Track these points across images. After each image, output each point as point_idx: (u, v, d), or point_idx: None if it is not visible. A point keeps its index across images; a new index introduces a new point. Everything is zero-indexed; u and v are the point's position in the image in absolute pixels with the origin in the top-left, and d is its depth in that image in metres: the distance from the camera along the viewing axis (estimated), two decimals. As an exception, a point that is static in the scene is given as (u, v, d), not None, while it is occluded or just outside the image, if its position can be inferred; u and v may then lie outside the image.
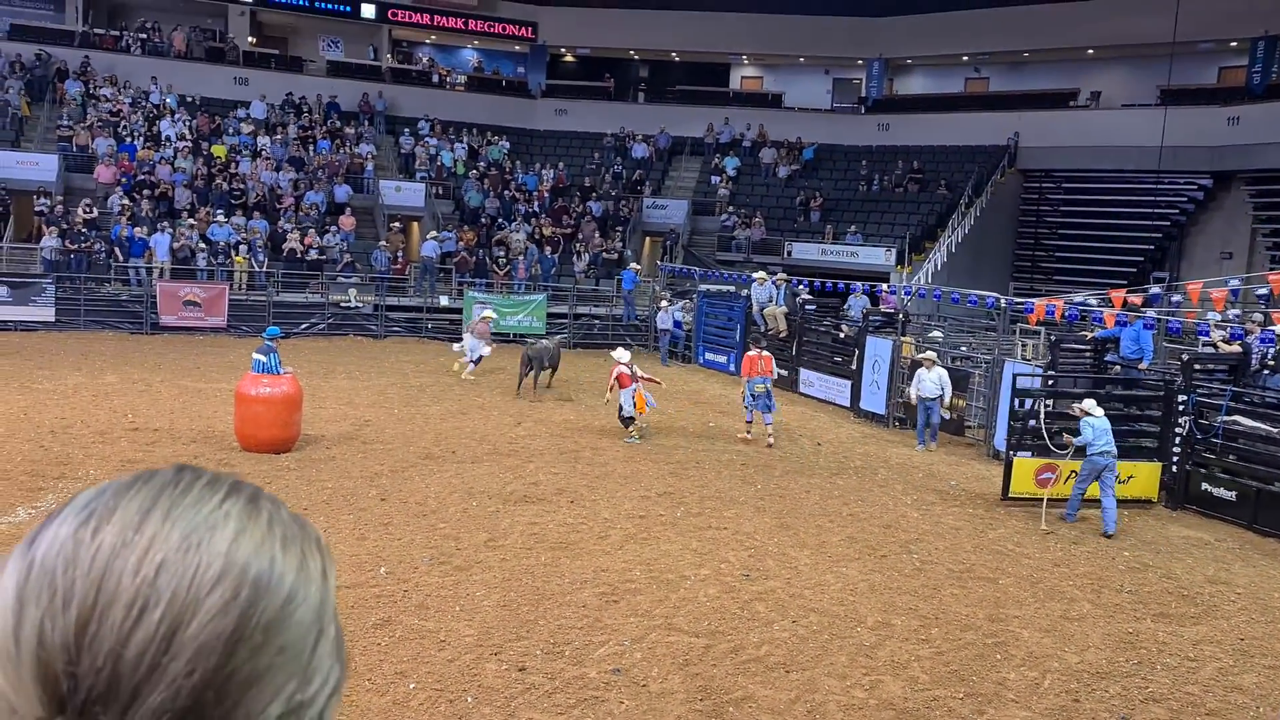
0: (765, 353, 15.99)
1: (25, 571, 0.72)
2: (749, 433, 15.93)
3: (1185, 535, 12.06)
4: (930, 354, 16.49)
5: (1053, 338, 16.67)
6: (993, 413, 15.98)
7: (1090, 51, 34.36)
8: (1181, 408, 13.38)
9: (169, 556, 0.70)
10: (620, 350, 16.47)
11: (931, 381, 16.05)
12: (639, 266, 28.13)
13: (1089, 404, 12.16)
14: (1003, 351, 17.04)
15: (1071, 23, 33.04)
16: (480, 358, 19.98)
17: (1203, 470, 13.26)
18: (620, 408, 15.46)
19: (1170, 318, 17.24)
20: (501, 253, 28.53)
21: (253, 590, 0.71)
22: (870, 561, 10.10)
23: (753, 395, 15.69)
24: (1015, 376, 14.24)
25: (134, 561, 0.70)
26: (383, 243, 27.62)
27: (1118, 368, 15.99)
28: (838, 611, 8.65)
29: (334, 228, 27.91)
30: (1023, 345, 18.74)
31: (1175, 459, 13.40)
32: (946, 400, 16.21)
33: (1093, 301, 17.40)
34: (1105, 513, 11.75)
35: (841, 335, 20.71)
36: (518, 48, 40.59)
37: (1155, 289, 19.69)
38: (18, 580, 0.71)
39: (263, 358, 13.00)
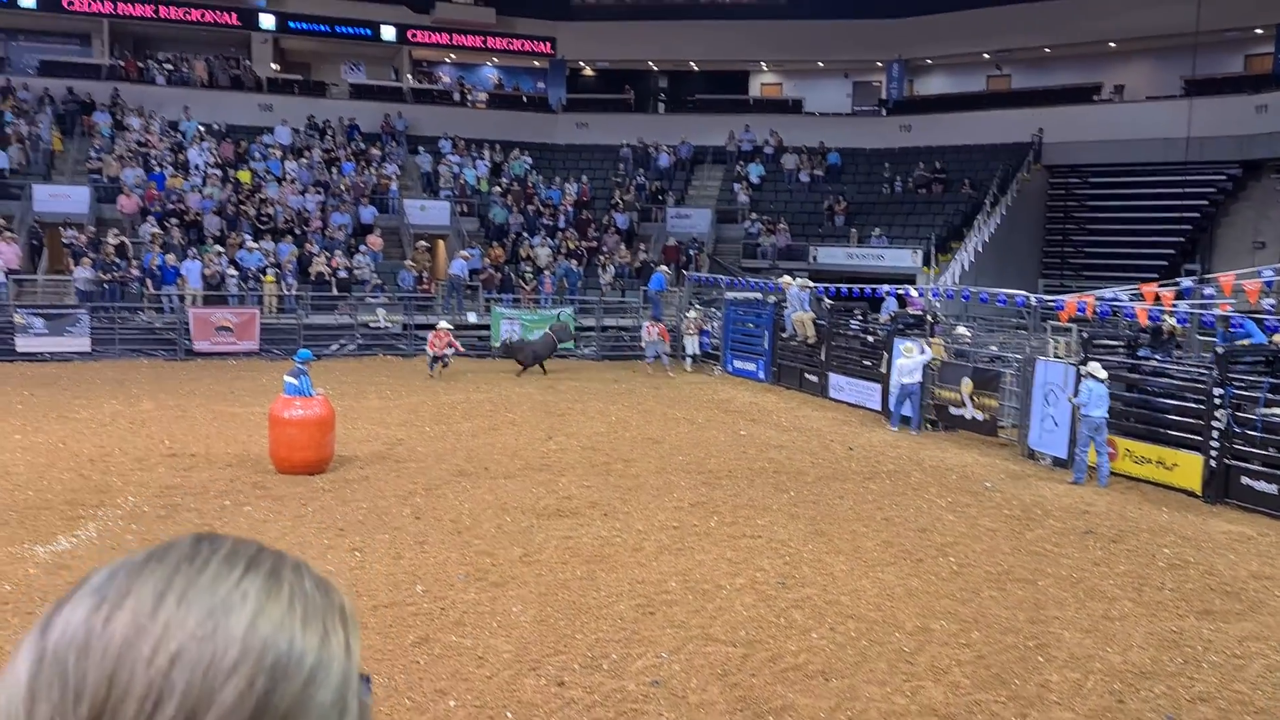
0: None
1: (37, 662, 0.70)
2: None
3: (1226, 530, 11.89)
4: (910, 344, 17.66)
5: (1085, 335, 16.51)
6: (1026, 412, 15.85)
7: (1112, 45, 34.10)
8: (1219, 401, 13.22)
9: (184, 644, 0.68)
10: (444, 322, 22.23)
11: (910, 368, 17.35)
12: (668, 271, 28.25)
13: (1094, 366, 13.64)
14: (1034, 350, 16.90)
15: (1093, 16, 32.83)
16: (436, 359, 21.87)
17: (1243, 464, 13.09)
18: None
19: (1203, 310, 17.03)
20: (527, 268, 28.67)
21: (270, 677, 0.69)
22: (907, 566, 10.03)
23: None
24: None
25: (148, 651, 0.68)
26: (408, 262, 27.81)
27: (1153, 361, 15.83)
28: (875, 617, 8.60)
29: (361, 249, 28.15)
30: (1054, 343, 18.57)
31: (1214, 453, 13.24)
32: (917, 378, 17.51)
33: (1124, 296, 17.23)
34: (1099, 469, 13.66)
35: (870, 339, 20.63)
36: (537, 63, 40.84)
37: (1187, 282, 19.46)
38: (30, 671, 0.70)
39: (294, 380, 13.12)
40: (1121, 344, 16.93)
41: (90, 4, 34.66)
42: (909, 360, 17.51)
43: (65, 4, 34.43)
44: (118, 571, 0.73)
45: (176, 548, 0.74)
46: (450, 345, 21.97)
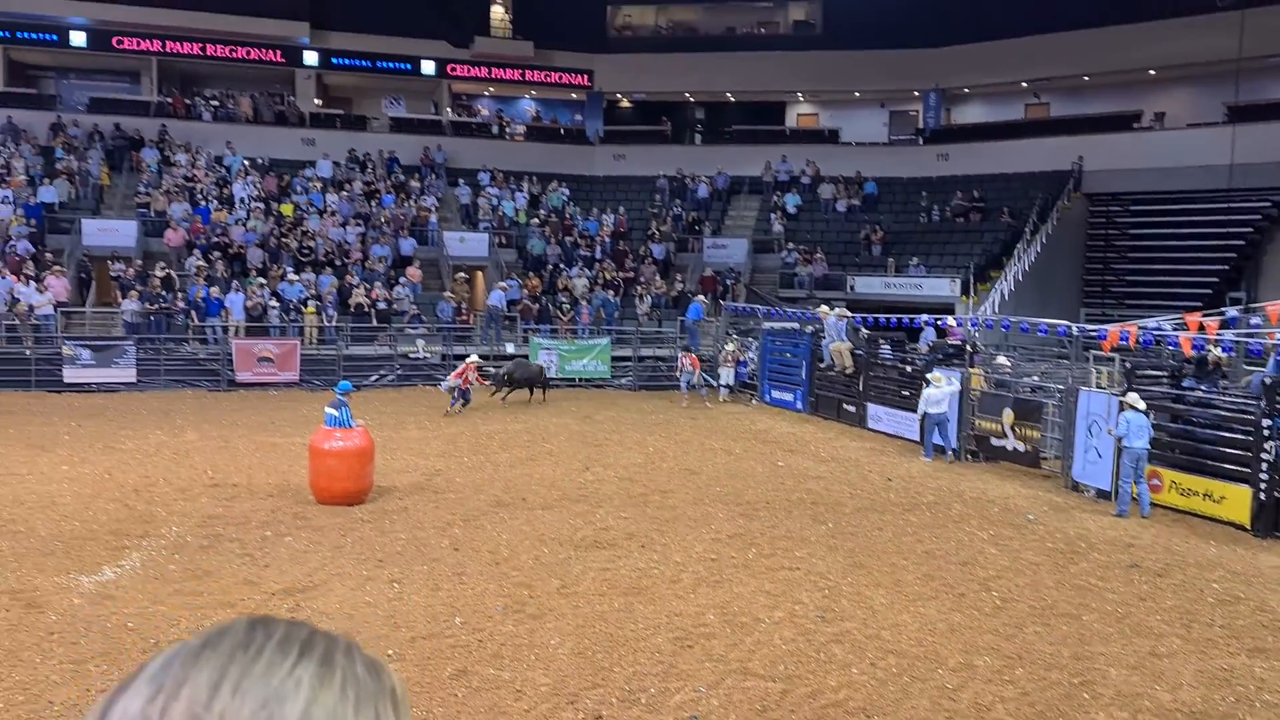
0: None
1: None
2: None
3: (1277, 565, 11.64)
4: (939, 374, 17.77)
5: (1127, 365, 16.31)
6: (1068, 443, 15.64)
7: (1152, 72, 33.85)
8: (1268, 432, 12.98)
9: None
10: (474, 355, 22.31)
11: (937, 398, 17.41)
12: (705, 301, 28.34)
13: (1132, 397, 13.64)
14: (1076, 380, 16.70)
15: (1132, 45, 32.63)
16: (452, 390, 21.36)
17: (1293, 497, 12.82)
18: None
19: (1250, 339, 16.76)
20: (564, 298, 28.82)
21: None
22: (948, 600, 9.90)
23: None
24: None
25: None
26: (447, 293, 28.06)
27: (1199, 392, 15.59)
28: (917, 652, 8.49)
29: (401, 280, 28.45)
30: (1097, 373, 18.35)
31: (1264, 485, 12.99)
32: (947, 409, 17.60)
33: (1167, 326, 17.00)
34: (1140, 500, 13.54)
35: (908, 369, 20.50)
36: (575, 95, 41.23)
37: (1232, 311, 19.18)
38: None
39: (335, 412, 13.25)
40: (1165, 374, 16.68)
41: (139, 43, 35.51)
42: (937, 390, 17.53)
43: (115, 43, 35.30)
44: (173, 659, 0.73)
45: (231, 634, 0.74)
46: (472, 381, 21.66)
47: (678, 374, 24.67)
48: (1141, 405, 13.70)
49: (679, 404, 23.56)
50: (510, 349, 26.73)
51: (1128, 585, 10.58)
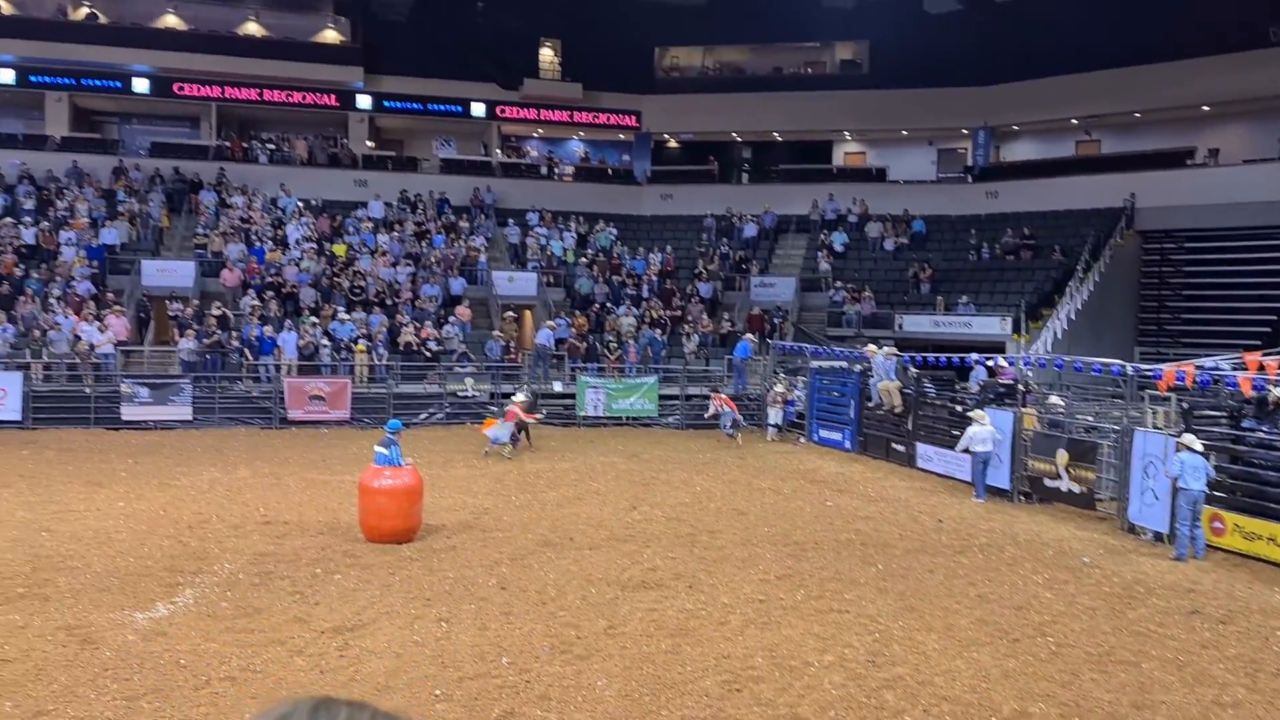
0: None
1: None
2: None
3: (1346, 612, 11.28)
4: (978, 412, 17.80)
5: (1184, 405, 15.98)
6: (1124, 485, 15.34)
7: (1206, 108, 33.44)
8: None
9: None
10: (519, 394, 21.67)
11: (982, 436, 17.33)
12: (753, 338, 28.31)
13: (1188, 438, 13.46)
14: (1132, 421, 16.40)
15: (1184, 81, 32.31)
16: (505, 436, 20.44)
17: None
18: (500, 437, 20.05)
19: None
20: (612, 337, 28.93)
21: None
22: (1002, 645, 9.71)
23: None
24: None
25: None
26: (496, 332, 28.29)
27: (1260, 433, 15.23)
28: (971, 700, 8.32)
29: (450, 319, 28.74)
30: (1153, 413, 18.00)
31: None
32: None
33: (1225, 365, 16.66)
34: (1195, 540, 13.30)
35: (958, 409, 20.26)
36: (622, 136, 41.61)
37: (1293, 349, 18.73)
38: None
39: (385, 450, 13.37)
40: (1224, 415, 16.32)
41: (200, 89, 36.50)
42: (982, 428, 17.47)
43: (177, 89, 36.31)
44: None
45: (295, 716, 0.75)
46: (524, 421, 21.16)
47: (707, 415, 24.66)
48: (1198, 446, 13.45)
49: (734, 445, 23.24)
50: (558, 387, 26.83)
51: (1189, 632, 10.31)
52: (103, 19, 36.08)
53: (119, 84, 35.88)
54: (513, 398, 22.09)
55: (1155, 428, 16.56)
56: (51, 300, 26.77)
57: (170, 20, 36.91)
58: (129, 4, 36.78)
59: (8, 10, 35.29)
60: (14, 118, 36.40)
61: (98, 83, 35.76)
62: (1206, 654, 9.64)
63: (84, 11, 36.03)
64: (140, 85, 35.96)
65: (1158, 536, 14.45)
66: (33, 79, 34.99)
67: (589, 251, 34.63)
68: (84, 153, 34.53)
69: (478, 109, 39.21)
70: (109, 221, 30.85)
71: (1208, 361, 17.29)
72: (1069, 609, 11.01)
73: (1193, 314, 32.55)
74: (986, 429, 17.49)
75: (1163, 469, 14.10)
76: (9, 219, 30.21)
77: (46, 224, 30.35)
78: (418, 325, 27.93)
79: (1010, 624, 10.38)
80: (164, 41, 35.99)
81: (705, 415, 25.06)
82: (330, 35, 38.41)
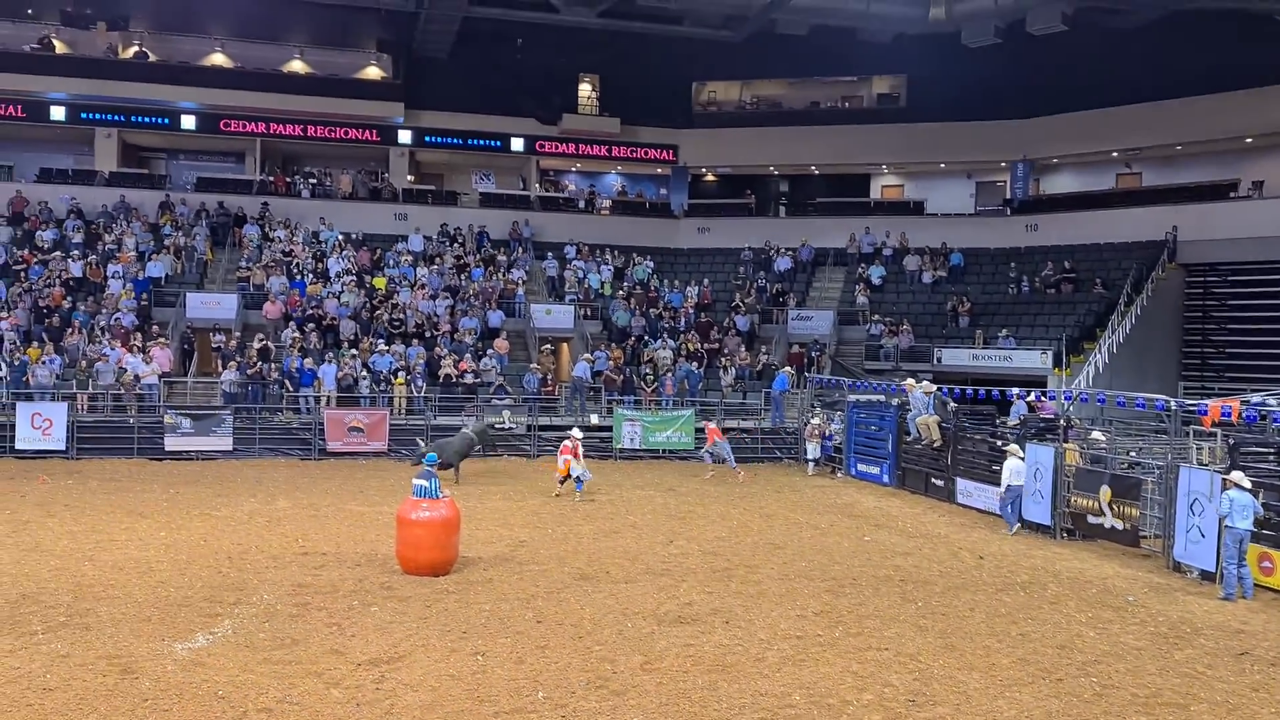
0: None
1: None
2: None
3: (1402, 655, 10.97)
4: (1014, 446, 17.87)
5: (1230, 441, 15.69)
6: (1169, 521, 15.07)
7: (1249, 140, 33.08)
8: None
9: None
10: (575, 430, 20.92)
11: (1020, 469, 17.47)
12: (791, 371, 28.22)
13: (1237, 475, 13.26)
14: (1176, 456, 16.12)
15: (1226, 113, 32.02)
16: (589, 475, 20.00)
17: None
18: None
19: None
20: (649, 370, 28.95)
21: None
22: (1045, 685, 9.54)
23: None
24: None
25: None
26: (534, 365, 28.41)
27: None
28: (1012, 740, 8.17)
29: (489, 352, 28.91)
30: (1198, 449, 17.72)
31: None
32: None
33: (1272, 401, 16.37)
34: (1242, 580, 13.08)
35: (998, 443, 20.03)
36: (660, 170, 41.87)
37: (1343, 384, 18.40)
38: None
39: (423, 483, 13.43)
40: (1271, 451, 16.01)
41: (245, 125, 37.20)
42: (1020, 462, 17.59)
43: (222, 125, 37.04)
44: None
45: None
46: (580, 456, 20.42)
47: (704, 451, 24.14)
48: (1247, 484, 13.21)
49: (770, 475, 23.20)
50: (595, 419, 26.85)
51: (1238, 674, 10.08)
52: (152, 57, 36.90)
53: (166, 120, 36.66)
54: (570, 433, 21.09)
55: (1200, 464, 16.29)
56: (98, 332, 27.26)
57: (217, 58, 37.69)
58: (177, 43, 37.60)
59: (60, 49, 36.20)
60: (65, 153, 37.27)
61: (146, 119, 36.55)
62: (1257, 697, 9.41)
63: (134, 50, 36.85)
64: (187, 122, 36.72)
65: (1204, 575, 14.16)
66: (83, 115, 35.81)
67: (626, 284, 34.76)
68: (132, 187, 35.27)
69: (517, 144, 39.65)
70: (155, 255, 31.41)
71: (1255, 397, 17.00)
72: (1113, 649, 10.80)
73: (1237, 348, 32.01)
74: (1020, 463, 17.57)
75: (1212, 507, 13.85)
76: (58, 252, 30.86)
77: (94, 257, 30.97)
78: (456, 358, 28.11)
79: (1053, 663, 10.20)
80: (211, 79, 36.73)
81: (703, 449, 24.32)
82: (373, 72, 39.03)
